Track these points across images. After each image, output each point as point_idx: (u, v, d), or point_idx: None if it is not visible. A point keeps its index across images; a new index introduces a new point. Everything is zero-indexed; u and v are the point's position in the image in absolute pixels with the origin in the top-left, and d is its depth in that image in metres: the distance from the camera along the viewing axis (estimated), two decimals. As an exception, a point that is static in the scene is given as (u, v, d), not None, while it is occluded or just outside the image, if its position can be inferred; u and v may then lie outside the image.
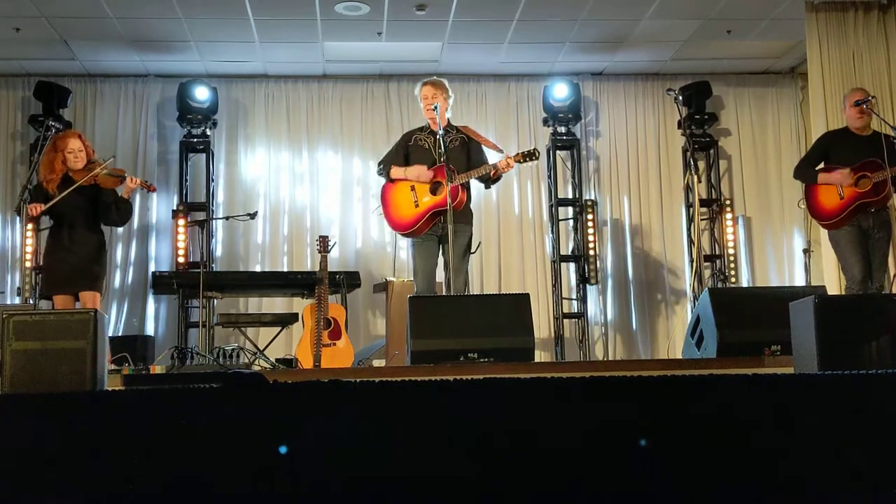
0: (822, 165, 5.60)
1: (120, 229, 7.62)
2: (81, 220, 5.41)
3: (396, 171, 5.37)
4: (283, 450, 2.09)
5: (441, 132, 5.21)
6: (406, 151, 5.45)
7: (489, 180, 5.37)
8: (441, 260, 5.36)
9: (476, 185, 5.60)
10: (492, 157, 5.46)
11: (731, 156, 8.54)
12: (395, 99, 8.30)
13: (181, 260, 7.55)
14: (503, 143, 8.22)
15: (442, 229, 5.21)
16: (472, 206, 5.52)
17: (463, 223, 5.24)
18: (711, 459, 2.14)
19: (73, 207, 5.37)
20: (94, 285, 5.38)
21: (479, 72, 8.30)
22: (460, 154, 5.33)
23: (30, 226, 7.44)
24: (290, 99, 8.31)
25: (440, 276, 5.44)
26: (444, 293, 5.39)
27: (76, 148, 5.40)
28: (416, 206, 5.25)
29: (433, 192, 5.24)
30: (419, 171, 5.27)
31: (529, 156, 5.23)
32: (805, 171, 5.59)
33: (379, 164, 5.57)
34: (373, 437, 2.11)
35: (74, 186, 5.30)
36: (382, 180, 5.53)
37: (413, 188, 5.29)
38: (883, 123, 5.39)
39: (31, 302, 7.21)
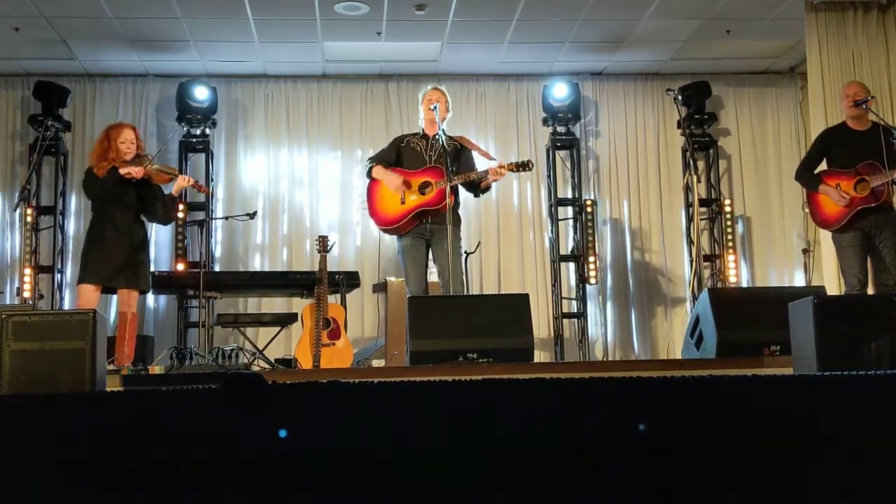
0: (823, 165, 5.61)
1: None
2: (129, 213, 5.36)
3: (378, 171, 5.35)
4: (282, 433, 2.09)
5: (441, 133, 5.21)
6: (398, 152, 5.44)
7: (478, 188, 5.35)
8: (431, 262, 5.37)
9: (466, 192, 5.58)
10: (482, 165, 5.45)
11: (730, 156, 8.54)
12: (395, 98, 8.30)
13: (180, 260, 7.55)
14: (502, 144, 8.27)
15: (429, 231, 5.23)
16: (471, 205, 5.51)
17: (455, 225, 5.23)
18: (710, 460, 2.14)
19: (120, 199, 5.31)
20: (134, 282, 5.31)
21: (479, 72, 8.30)
22: (452, 160, 5.32)
23: (29, 226, 7.44)
24: (289, 99, 8.31)
25: (431, 276, 5.45)
26: (440, 293, 5.39)
27: (129, 139, 5.39)
28: (403, 203, 5.24)
29: (422, 191, 5.24)
30: (395, 182, 5.25)
31: (523, 167, 5.19)
32: (806, 177, 5.60)
33: (368, 160, 5.56)
34: (371, 438, 2.11)
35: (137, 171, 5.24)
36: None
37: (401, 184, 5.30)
38: (881, 122, 5.39)
39: (31, 302, 7.20)
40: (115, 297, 5.48)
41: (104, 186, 5.29)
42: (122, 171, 5.24)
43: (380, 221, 5.40)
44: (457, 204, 5.36)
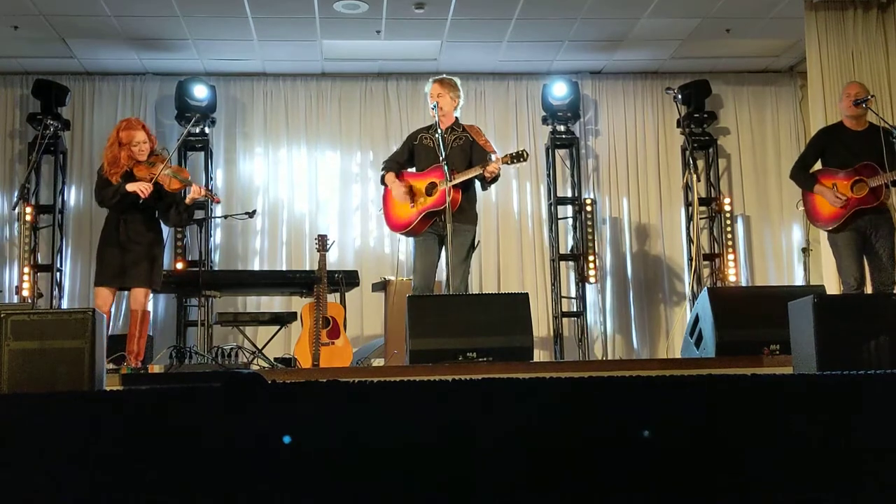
0: (818, 165, 5.60)
1: None
2: (139, 216, 5.31)
3: (389, 179, 5.40)
4: (286, 439, 2.09)
5: (441, 132, 5.19)
6: (411, 150, 5.45)
7: (485, 181, 5.32)
8: (442, 259, 5.35)
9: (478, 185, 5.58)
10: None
11: (730, 154, 8.54)
12: (394, 97, 8.30)
13: (180, 259, 7.55)
14: (502, 142, 8.27)
15: (442, 228, 5.21)
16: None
17: (463, 223, 5.21)
18: (709, 460, 2.14)
19: (131, 202, 5.26)
20: (143, 281, 5.30)
21: (478, 70, 8.30)
22: (462, 154, 5.29)
23: (28, 224, 7.44)
24: (288, 97, 8.30)
25: (440, 274, 5.44)
26: (443, 292, 5.39)
27: (141, 140, 5.32)
28: (412, 206, 5.26)
29: (429, 193, 5.23)
30: (399, 192, 5.29)
31: (517, 157, 5.14)
32: (801, 176, 5.56)
33: (383, 163, 5.61)
34: (370, 437, 2.11)
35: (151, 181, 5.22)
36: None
37: (410, 189, 5.29)
38: (881, 122, 5.39)
39: (30, 301, 7.20)
40: (127, 294, 5.43)
41: (111, 199, 5.28)
42: (130, 187, 5.21)
43: (393, 226, 5.44)
44: (469, 199, 5.31)
